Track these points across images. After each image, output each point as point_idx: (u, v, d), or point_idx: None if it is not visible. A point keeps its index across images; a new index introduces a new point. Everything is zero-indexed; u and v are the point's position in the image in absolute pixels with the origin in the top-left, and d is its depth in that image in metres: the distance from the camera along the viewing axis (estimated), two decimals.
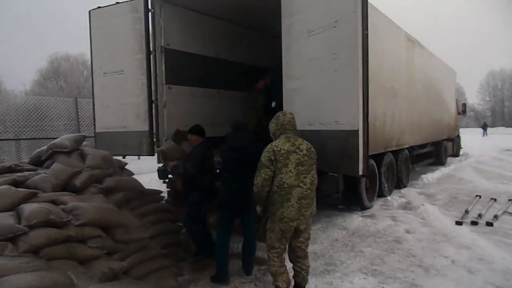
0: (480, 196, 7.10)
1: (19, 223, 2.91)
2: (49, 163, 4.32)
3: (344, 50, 3.42)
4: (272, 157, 2.96)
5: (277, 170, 2.96)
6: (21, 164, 4.35)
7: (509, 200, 6.75)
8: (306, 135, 3.94)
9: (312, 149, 3.06)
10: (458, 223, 5.42)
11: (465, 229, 5.19)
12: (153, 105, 5.98)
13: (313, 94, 3.86)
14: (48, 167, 4.21)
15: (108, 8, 6.16)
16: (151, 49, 5.90)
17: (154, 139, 6.02)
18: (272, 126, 3.23)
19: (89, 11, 6.36)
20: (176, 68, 6.25)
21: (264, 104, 6.95)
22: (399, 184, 8.06)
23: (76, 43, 53.62)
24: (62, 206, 3.28)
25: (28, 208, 3.06)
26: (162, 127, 6.04)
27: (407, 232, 5.09)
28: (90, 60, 6.52)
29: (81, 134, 5.09)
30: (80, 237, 3.10)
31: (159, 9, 5.93)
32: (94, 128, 6.51)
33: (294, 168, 2.95)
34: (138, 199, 4.39)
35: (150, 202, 4.54)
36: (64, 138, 4.55)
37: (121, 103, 6.12)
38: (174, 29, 6.17)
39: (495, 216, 5.64)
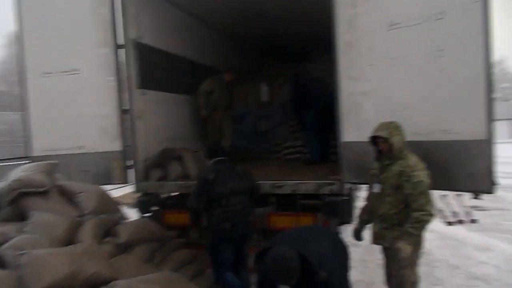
0: None
1: None
2: (13, 210, 2.69)
3: (457, 46, 2.85)
4: None
5: None
6: None
7: None
8: None
9: None
10: None
11: None
12: (126, 116, 4.49)
13: (397, 98, 3.20)
14: (19, 218, 2.61)
15: None
16: (118, 42, 4.42)
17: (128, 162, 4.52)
18: (399, 139, 2.78)
19: None
20: (151, 68, 4.85)
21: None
22: None
23: None
24: None
25: None
26: (138, 145, 4.57)
27: None
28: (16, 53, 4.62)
29: (50, 162, 3.39)
30: None
31: None
32: (26, 150, 4.61)
33: None
34: (162, 248, 3.11)
35: (173, 248, 3.28)
36: (31, 171, 2.94)
37: (77, 115, 4.45)
38: (147, 19, 4.78)
39: None
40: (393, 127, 2.88)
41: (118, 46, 4.37)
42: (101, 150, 4.43)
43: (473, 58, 2.80)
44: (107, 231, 2.86)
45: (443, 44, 2.94)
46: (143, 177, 4.56)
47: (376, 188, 2.97)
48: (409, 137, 3.17)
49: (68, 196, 2.92)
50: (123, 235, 2.83)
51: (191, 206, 3.41)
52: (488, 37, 2.75)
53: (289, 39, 7.27)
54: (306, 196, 3.95)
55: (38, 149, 4.57)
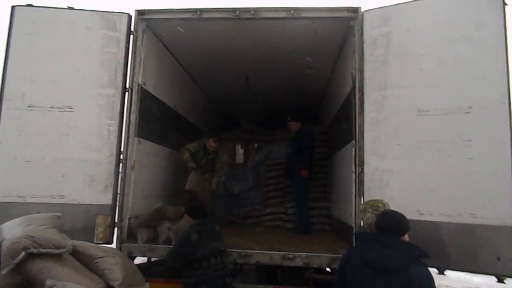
0: None
1: None
2: (13, 276, 2.06)
3: (485, 139, 3.17)
4: None
5: None
6: None
7: None
8: (413, 225, 3.35)
9: None
10: None
11: None
12: (121, 165, 3.98)
13: (424, 178, 3.36)
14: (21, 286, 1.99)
15: (56, 12, 4.02)
16: (127, 85, 4.07)
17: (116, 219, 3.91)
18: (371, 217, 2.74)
19: (13, 7, 3.98)
20: (148, 117, 4.49)
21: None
22: None
23: None
24: None
25: None
26: (126, 200, 4.01)
27: None
28: None
29: (55, 214, 2.73)
30: None
31: (142, 34, 4.28)
32: None
33: None
34: None
35: None
36: (39, 225, 2.34)
37: (61, 157, 3.82)
38: (150, 65, 4.53)
39: None
40: (371, 205, 2.90)
41: (126, 89, 4.01)
42: (85, 202, 3.79)
43: (500, 150, 3.13)
44: None
45: (471, 135, 3.25)
46: (128, 236, 3.97)
47: None
48: (436, 217, 3.32)
49: (85, 260, 2.34)
50: None
51: (167, 263, 3.24)
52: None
53: (269, 104, 7.47)
54: (316, 270, 3.77)
55: None
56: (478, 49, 3.35)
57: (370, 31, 3.80)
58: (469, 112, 3.29)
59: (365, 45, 3.80)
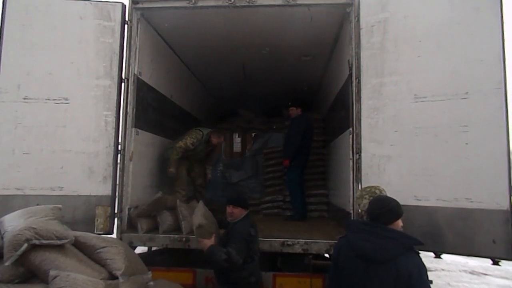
0: None
1: None
2: (16, 267, 2.08)
3: (481, 124, 3.19)
4: None
5: None
6: None
7: None
8: (410, 210, 3.42)
9: None
10: None
11: None
12: (119, 156, 3.98)
13: (422, 165, 3.40)
14: (24, 276, 2.01)
15: (49, 1, 3.96)
16: (123, 75, 4.04)
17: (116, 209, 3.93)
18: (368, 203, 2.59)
19: None
20: (144, 107, 4.48)
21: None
22: None
23: None
24: None
25: None
26: (125, 190, 4.03)
27: None
28: None
29: (56, 206, 2.74)
30: None
31: (136, 23, 4.23)
32: None
33: None
34: None
35: None
36: (40, 217, 2.36)
37: (59, 148, 3.82)
38: (145, 55, 4.49)
39: None
40: (368, 191, 2.89)
41: (122, 80, 3.99)
42: (84, 193, 3.80)
43: (497, 134, 3.15)
44: None
45: (467, 120, 3.28)
46: (128, 226, 4.00)
47: None
48: (433, 202, 3.36)
49: (87, 250, 2.36)
50: None
51: (238, 263, 3.07)
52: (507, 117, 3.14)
53: (265, 93, 7.45)
54: (316, 256, 3.81)
55: None
56: (474, 34, 3.35)
57: (366, 18, 3.78)
58: (465, 98, 3.30)
59: (362, 32, 3.79)
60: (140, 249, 4.51)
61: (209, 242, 3.23)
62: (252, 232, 3.31)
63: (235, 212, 3.36)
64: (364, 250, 2.12)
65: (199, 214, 3.41)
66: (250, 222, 3.41)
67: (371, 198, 2.75)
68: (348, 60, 3.93)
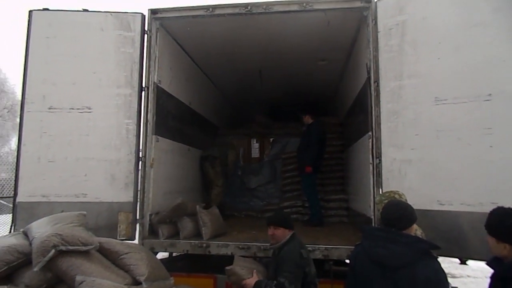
0: None
1: None
2: (43, 273, 2.14)
3: (506, 127, 3.10)
4: None
5: None
6: None
7: None
8: (432, 216, 3.35)
9: None
10: None
11: None
12: (140, 163, 4.06)
13: (444, 168, 3.32)
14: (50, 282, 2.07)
15: (72, 14, 4.11)
16: (144, 84, 4.13)
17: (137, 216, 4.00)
18: None
19: (30, 11, 4.08)
20: (164, 115, 4.56)
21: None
22: None
23: None
24: None
25: None
26: (147, 197, 4.09)
27: None
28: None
29: (81, 213, 2.83)
30: None
31: (156, 33, 4.32)
32: (14, 195, 3.87)
33: None
34: None
35: None
36: (66, 223, 2.42)
37: (83, 156, 3.93)
38: (164, 64, 4.58)
39: None
40: (387, 196, 2.80)
41: (143, 88, 4.08)
42: (107, 200, 3.89)
43: None
44: None
45: (491, 122, 3.19)
46: (149, 232, 4.06)
47: None
48: (457, 207, 3.28)
49: (111, 256, 2.42)
50: None
51: None
52: None
53: (282, 98, 7.47)
54: (336, 262, 3.77)
55: (23, 194, 3.89)
56: (495, 34, 3.27)
57: (384, 21, 3.75)
58: (488, 100, 3.22)
59: (380, 35, 3.75)
60: (160, 255, 4.57)
61: (252, 279, 2.86)
62: (304, 254, 2.92)
63: (277, 234, 3.01)
64: (380, 256, 2.08)
65: (236, 265, 3.04)
66: (299, 243, 3.04)
67: None
68: (366, 64, 3.90)
